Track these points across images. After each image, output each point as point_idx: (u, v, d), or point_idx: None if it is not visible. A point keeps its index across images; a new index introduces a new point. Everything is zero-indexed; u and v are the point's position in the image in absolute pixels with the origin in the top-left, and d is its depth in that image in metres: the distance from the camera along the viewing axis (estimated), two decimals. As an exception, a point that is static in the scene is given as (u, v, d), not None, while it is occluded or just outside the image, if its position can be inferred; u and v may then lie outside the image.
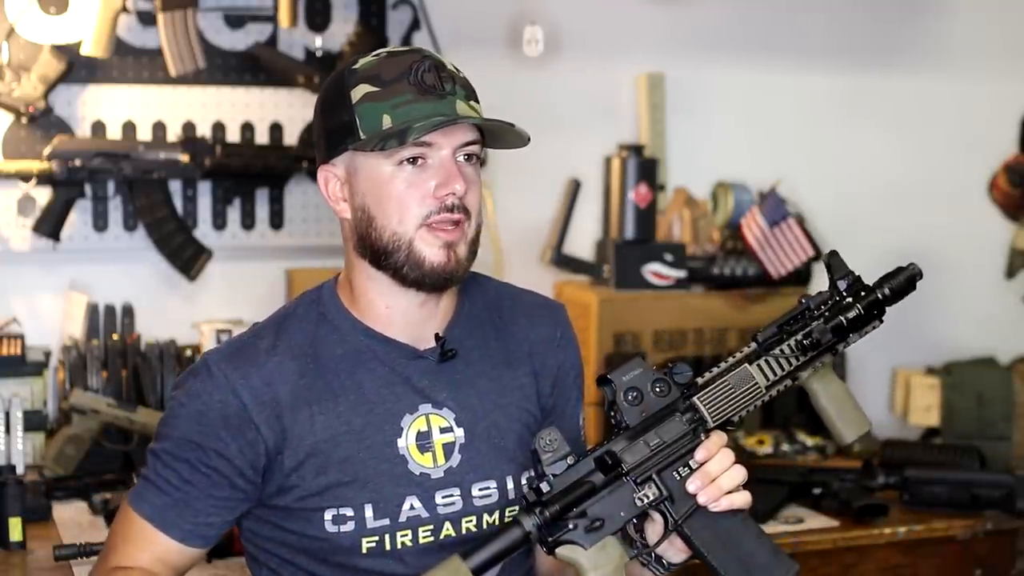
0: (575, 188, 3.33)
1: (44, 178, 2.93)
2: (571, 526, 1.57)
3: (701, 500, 1.61)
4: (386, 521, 1.66)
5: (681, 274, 3.28)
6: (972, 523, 2.70)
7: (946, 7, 3.74)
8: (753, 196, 3.46)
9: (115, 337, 2.98)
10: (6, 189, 2.95)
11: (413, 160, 1.63)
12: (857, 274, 1.73)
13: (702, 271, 3.31)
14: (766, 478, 2.74)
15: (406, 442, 1.68)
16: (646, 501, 1.60)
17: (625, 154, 3.31)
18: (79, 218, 3.01)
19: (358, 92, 1.64)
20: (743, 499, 1.63)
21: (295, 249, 3.18)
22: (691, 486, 1.61)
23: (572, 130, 3.40)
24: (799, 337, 1.68)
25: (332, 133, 1.67)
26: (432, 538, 1.68)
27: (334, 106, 1.66)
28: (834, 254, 1.73)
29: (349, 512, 1.65)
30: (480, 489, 1.71)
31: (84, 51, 2.92)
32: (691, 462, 1.62)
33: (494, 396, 1.75)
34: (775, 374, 1.67)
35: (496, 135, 1.70)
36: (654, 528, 1.64)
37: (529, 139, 1.70)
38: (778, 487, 2.71)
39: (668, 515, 1.62)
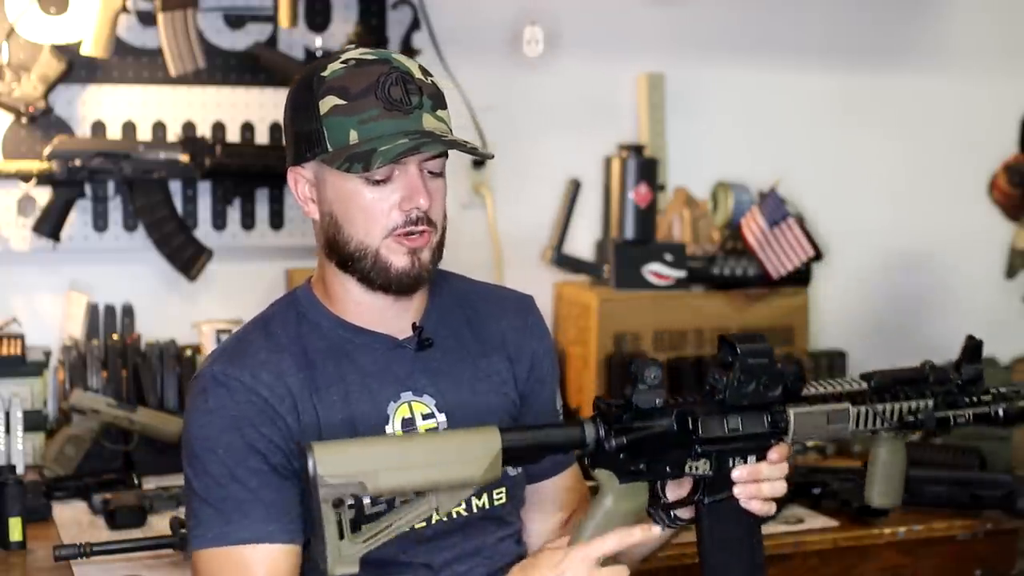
0: (575, 188, 3.33)
1: (44, 178, 2.93)
2: (620, 456, 1.58)
3: (737, 491, 1.64)
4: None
5: (681, 274, 3.28)
6: (972, 523, 2.70)
7: (946, 7, 3.74)
8: (753, 196, 3.45)
9: (115, 337, 2.98)
10: (6, 189, 2.95)
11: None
12: (982, 373, 1.77)
13: (702, 271, 3.31)
14: (766, 478, 2.73)
15: (393, 429, 1.71)
16: (694, 471, 1.62)
17: (625, 154, 3.30)
18: (79, 218, 3.01)
19: (326, 104, 1.65)
20: (767, 508, 1.67)
21: (295, 249, 3.18)
22: (737, 474, 1.64)
23: (572, 130, 3.40)
24: (907, 408, 1.72)
25: (300, 139, 1.70)
26: (423, 523, 1.68)
27: (302, 112, 1.69)
28: (975, 341, 1.78)
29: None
30: None
31: (84, 51, 2.92)
32: (750, 457, 1.64)
33: (472, 382, 1.77)
34: (865, 426, 1.71)
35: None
36: (677, 490, 1.67)
37: (493, 156, 1.73)
38: (778, 487, 2.70)
39: (702, 492, 1.63)
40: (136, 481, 2.66)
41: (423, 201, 1.66)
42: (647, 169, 3.30)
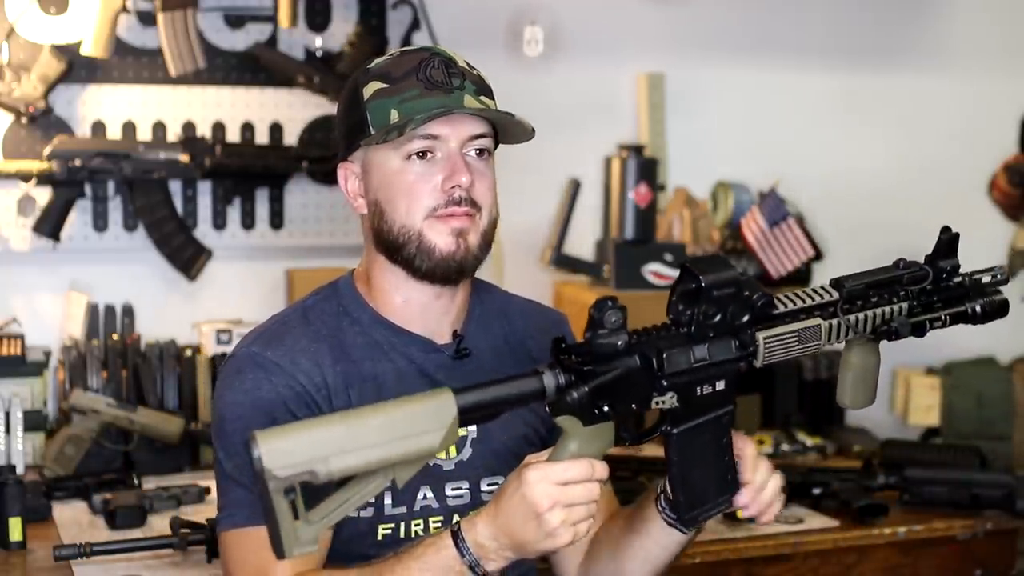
0: (575, 188, 3.33)
1: (44, 178, 2.93)
2: (584, 401, 1.48)
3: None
4: (403, 509, 1.69)
5: (681, 274, 3.28)
6: (972, 523, 2.70)
7: (946, 7, 3.75)
8: (753, 196, 3.46)
9: (115, 337, 2.98)
10: (6, 189, 2.95)
11: (422, 154, 1.67)
12: (960, 270, 1.65)
13: (702, 271, 3.30)
14: (766, 478, 2.73)
15: None
16: (660, 406, 1.53)
17: (625, 154, 3.30)
18: (79, 218, 3.01)
19: (369, 89, 1.69)
20: None
21: (295, 249, 3.18)
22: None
23: (572, 130, 3.40)
24: (879, 316, 1.62)
25: (348, 132, 1.72)
26: (442, 529, 1.68)
27: (349, 106, 1.72)
28: (951, 234, 1.65)
29: (371, 498, 1.65)
30: (488, 484, 1.74)
31: (84, 51, 2.92)
32: (718, 383, 1.55)
33: None
34: (838, 337, 1.62)
35: (505, 129, 1.74)
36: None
37: (534, 131, 1.73)
38: (778, 487, 2.71)
39: (669, 423, 1.55)
40: (136, 481, 2.66)
41: (464, 179, 1.65)
42: (647, 169, 3.30)
